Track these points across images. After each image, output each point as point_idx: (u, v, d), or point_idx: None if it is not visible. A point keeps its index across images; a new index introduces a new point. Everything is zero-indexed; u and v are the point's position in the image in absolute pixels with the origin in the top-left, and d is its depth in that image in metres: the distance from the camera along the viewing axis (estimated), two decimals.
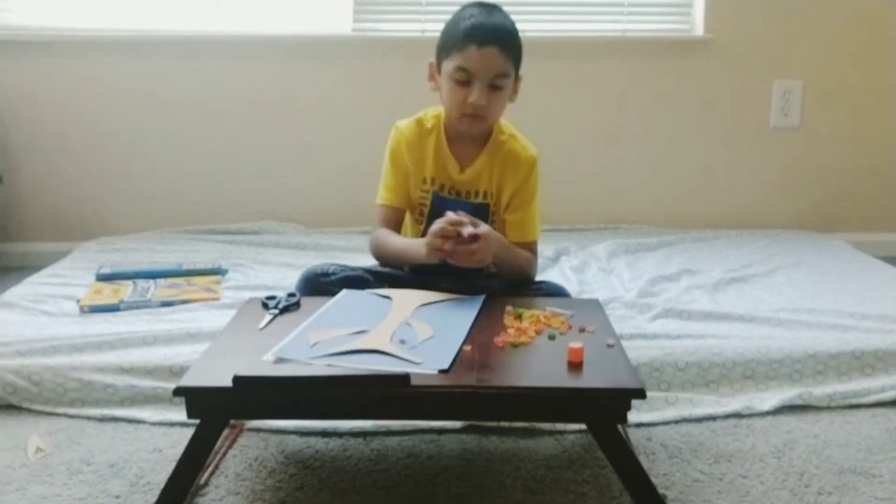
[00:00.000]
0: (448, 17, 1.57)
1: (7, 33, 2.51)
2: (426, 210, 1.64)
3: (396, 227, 1.65)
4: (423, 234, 1.58)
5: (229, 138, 2.61)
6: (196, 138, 2.61)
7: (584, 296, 1.90)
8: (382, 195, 1.65)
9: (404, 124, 1.65)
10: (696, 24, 2.62)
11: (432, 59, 1.59)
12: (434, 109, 1.65)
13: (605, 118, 2.64)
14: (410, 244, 1.55)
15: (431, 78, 1.60)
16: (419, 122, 1.64)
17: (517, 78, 1.57)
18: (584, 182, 2.61)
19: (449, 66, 1.52)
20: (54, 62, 2.53)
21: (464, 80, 1.51)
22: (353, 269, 1.60)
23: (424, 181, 1.63)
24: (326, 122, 2.61)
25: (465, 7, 1.56)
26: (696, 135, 2.67)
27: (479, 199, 1.63)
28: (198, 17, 2.56)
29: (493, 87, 1.51)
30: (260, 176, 2.64)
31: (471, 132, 1.59)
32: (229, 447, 1.36)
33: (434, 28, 2.48)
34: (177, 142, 2.61)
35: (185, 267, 2.12)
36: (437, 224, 1.43)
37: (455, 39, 1.51)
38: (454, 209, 1.49)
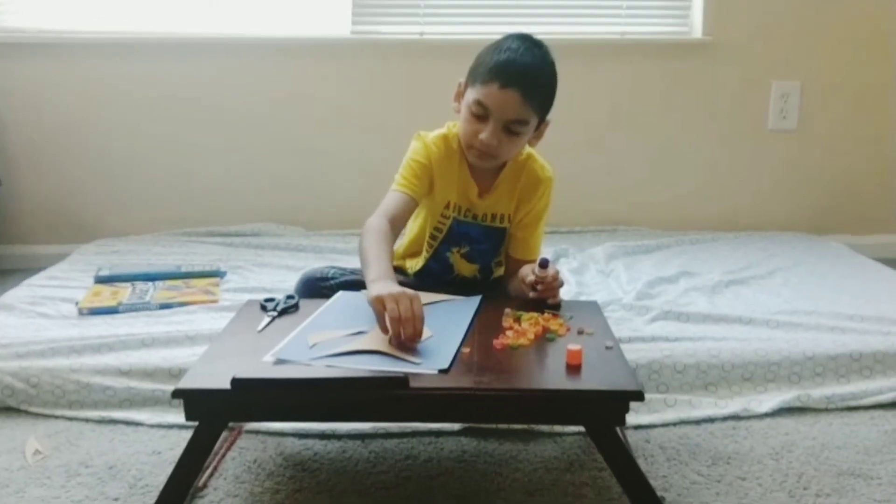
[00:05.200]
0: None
1: (6, 35, 2.51)
2: (440, 235, 1.60)
3: (400, 216, 1.50)
4: (434, 254, 1.61)
5: (228, 141, 2.61)
6: (195, 141, 2.61)
7: (583, 298, 1.91)
8: (399, 181, 1.53)
9: (431, 140, 1.55)
10: (695, 26, 2.62)
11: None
12: (456, 126, 1.55)
13: (602, 120, 2.65)
14: (374, 268, 1.30)
15: (457, 98, 1.52)
16: (446, 141, 1.55)
17: (543, 122, 1.50)
18: (582, 184, 2.61)
19: (470, 95, 1.45)
20: (53, 64, 2.53)
21: (480, 114, 1.44)
22: (352, 271, 1.60)
23: (448, 206, 1.56)
24: (325, 125, 2.61)
25: (508, 36, 1.47)
26: (695, 137, 2.68)
27: (497, 223, 1.59)
28: (197, 19, 2.56)
29: (508, 131, 1.44)
30: (258, 178, 2.64)
31: (477, 165, 1.53)
32: (228, 449, 1.36)
33: (432, 30, 2.49)
34: (175, 144, 2.61)
35: (183, 269, 2.12)
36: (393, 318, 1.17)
37: (483, 70, 1.43)
38: (471, 233, 1.51)
